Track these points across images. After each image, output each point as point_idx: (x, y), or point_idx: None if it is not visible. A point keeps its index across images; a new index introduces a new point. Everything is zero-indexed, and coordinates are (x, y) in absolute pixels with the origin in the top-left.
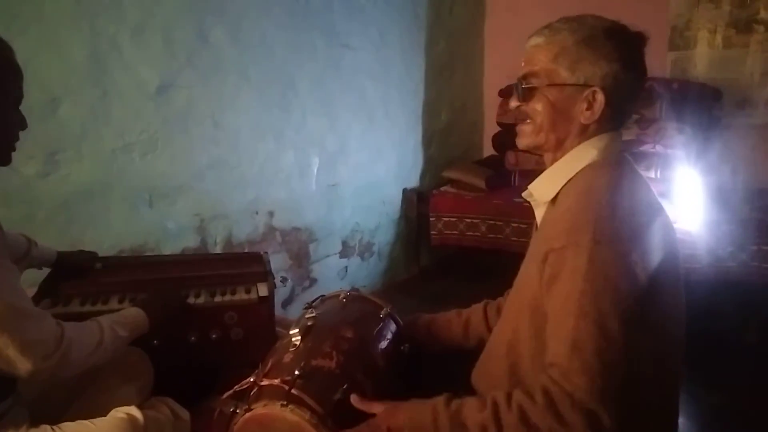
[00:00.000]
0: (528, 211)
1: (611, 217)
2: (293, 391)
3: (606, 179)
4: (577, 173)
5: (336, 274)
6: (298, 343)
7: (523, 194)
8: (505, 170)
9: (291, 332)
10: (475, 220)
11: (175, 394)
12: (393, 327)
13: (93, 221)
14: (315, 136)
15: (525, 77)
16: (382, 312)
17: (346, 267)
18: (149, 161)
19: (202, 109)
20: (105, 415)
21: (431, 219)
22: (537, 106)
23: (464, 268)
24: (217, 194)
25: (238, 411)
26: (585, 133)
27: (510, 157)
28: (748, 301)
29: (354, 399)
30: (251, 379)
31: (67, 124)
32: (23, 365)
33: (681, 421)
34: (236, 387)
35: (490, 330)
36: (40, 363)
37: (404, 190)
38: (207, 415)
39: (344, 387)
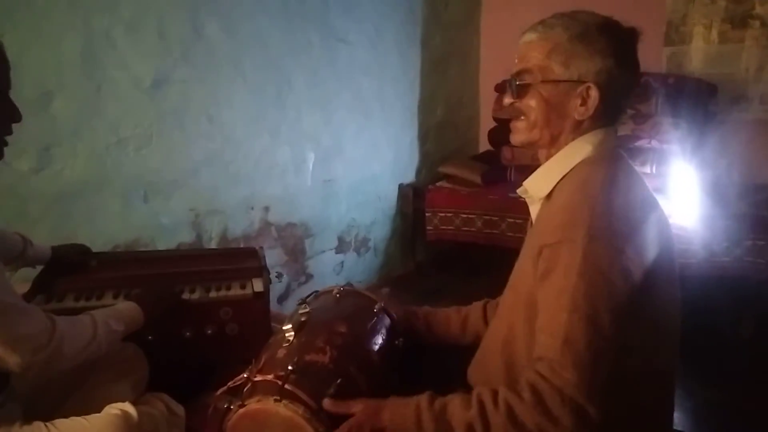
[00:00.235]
0: (524, 206)
1: (606, 213)
2: (287, 386)
3: (601, 175)
4: (571, 169)
5: (332, 270)
6: (291, 338)
7: (518, 191)
8: (501, 165)
9: (284, 328)
10: (470, 216)
11: (170, 390)
12: (387, 321)
13: (87, 216)
14: (310, 131)
15: (518, 74)
16: (376, 307)
17: (342, 262)
18: (144, 156)
19: (197, 104)
20: (99, 411)
21: (427, 214)
22: (531, 103)
23: (460, 263)
24: (212, 189)
25: (231, 407)
26: (579, 129)
27: (506, 153)
28: (743, 296)
29: (327, 403)
30: (245, 375)
31: (60, 118)
32: (12, 359)
33: (676, 415)
34: (230, 383)
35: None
36: (30, 357)
37: (400, 186)
38: (202, 410)
39: (338, 382)
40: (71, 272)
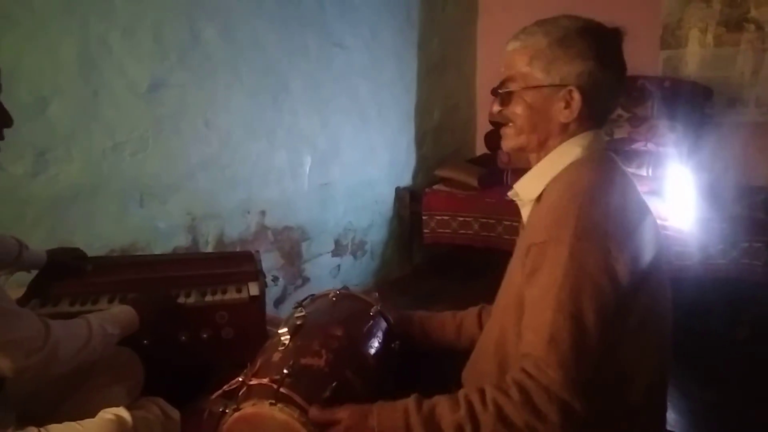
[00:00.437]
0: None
1: (593, 213)
2: (282, 389)
3: (589, 176)
4: (561, 171)
5: (328, 273)
6: (287, 342)
7: (509, 194)
8: (498, 168)
9: (280, 331)
10: (467, 219)
11: (165, 394)
12: (383, 325)
13: (83, 221)
14: (307, 135)
15: (503, 82)
16: (372, 310)
17: (339, 266)
18: (140, 161)
19: (194, 108)
20: (94, 416)
21: (424, 217)
22: (516, 110)
23: (457, 266)
24: (209, 193)
25: (227, 411)
26: (566, 132)
27: (502, 156)
28: (739, 297)
29: (313, 413)
30: (240, 379)
31: (56, 123)
32: (4, 364)
33: (673, 417)
34: (225, 387)
35: None
36: (23, 361)
37: (397, 189)
38: (198, 414)
39: (333, 385)
40: (66, 276)
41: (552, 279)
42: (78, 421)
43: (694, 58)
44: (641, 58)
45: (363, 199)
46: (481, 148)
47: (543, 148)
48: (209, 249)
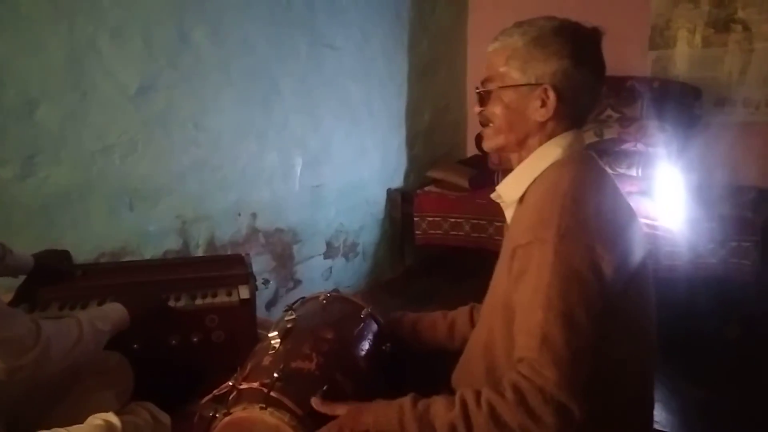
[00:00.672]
0: None
1: (576, 211)
2: (272, 393)
3: (570, 176)
4: (542, 172)
5: (320, 275)
6: (277, 345)
7: (492, 196)
8: (489, 170)
9: (270, 335)
10: (459, 220)
11: (155, 399)
12: (374, 327)
13: (72, 225)
14: (298, 136)
15: (483, 83)
16: (363, 312)
17: (331, 268)
18: (129, 163)
19: (183, 110)
20: (83, 422)
21: (415, 219)
22: (495, 109)
23: (449, 267)
24: (199, 196)
25: (217, 415)
26: (544, 132)
27: (493, 157)
28: (729, 297)
29: (315, 402)
30: (230, 383)
31: (44, 126)
32: None
33: (663, 416)
34: (215, 391)
35: None
36: (14, 361)
37: (388, 191)
38: (188, 419)
39: (324, 388)
40: (55, 281)
41: (540, 280)
42: (66, 428)
43: (682, 58)
44: (630, 58)
45: (354, 200)
46: (472, 150)
47: (523, 147)
48: (200, 252)
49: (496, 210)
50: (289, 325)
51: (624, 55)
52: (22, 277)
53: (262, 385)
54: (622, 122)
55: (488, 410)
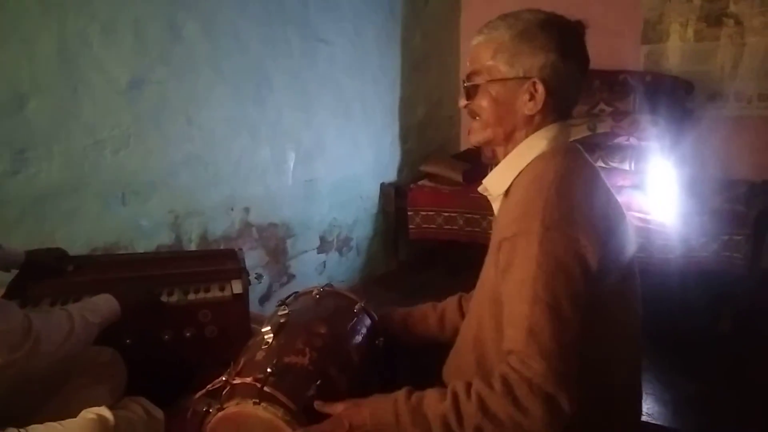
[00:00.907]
0: None
1: (560, 203)
2: (266, 388)
3: (555, 168)
4: (527, 165)
5: (314, 270)
6: (270, 340)
7: (479, 189)
8: (482, 164)
9: (263, 330)
10: (452, 214)
11: (149, 394)
12: (367, 321)
13: (64, 220)
14: (291, 131)
15: (469, 76)
16: (356, 307)
17: (324, 262)
18: (121, 158)
19: (175, 104)
20: (76, 416)
21: (409, 213)
22: (482, 103)
23: (443, 261)
24: (192, 191)
25: (210, 410)
26: (531, 125)
27: (486, 151)
28: (721, 290)
29: (318, 404)
30: (223, 378)
31: (36, 121)
32: None
33: (656, 408)
34: (208, 386)
35: None
36: (8, 355)
37: (382, 185)
38: (181, 414)
39: (317, 383)
40: (47, 276)
41: (525, 272)
42: (59, 421)
43: (675, 52)
44: (623, 52)
45: (348, 195)
46: (465, 144)
47: (510, 141)
48: (193, 247)
49: (490, 204)
50: (282, 320)
51: (616, 49)
52: (14, 273)
53: (256, 380)
54: (614, 116)
55: (477, 401)
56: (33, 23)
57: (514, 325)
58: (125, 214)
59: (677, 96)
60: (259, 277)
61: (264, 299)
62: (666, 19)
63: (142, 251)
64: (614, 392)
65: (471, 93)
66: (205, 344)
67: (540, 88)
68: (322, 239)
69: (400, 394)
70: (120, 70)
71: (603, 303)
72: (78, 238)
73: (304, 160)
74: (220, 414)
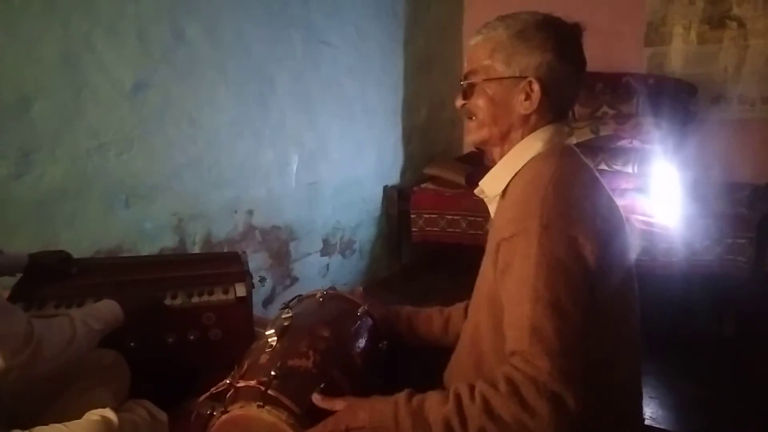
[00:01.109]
0: None
1: (557, 203)
2: (269, 391)
3: (551, 169)
4: (523, 166)
5: (317, 273)
6: (274, 343)
7: (475, 191)
8: (485, 166)
9: (267, 333)
10: (455, 217)
11: (152, 397)
12: (370, 324)
13: (68, 222)
14: (294, 133)
15: (466, 76)
16: (359, 310)
17: (328, 265)
18: (125, 161)
19: (179, 107)
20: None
21: (412, 216)
22: (479, 102)
23: (446, 264)
24: (195, 193)
25: (215, 413)
26: (527, 125)
27: (488, 153)
28: (724, 293)
29: (316, 398)
30: (227, 381)
31: (40, 123)
32: None
33: (660, 412)
34: (213, 389)
35: None
36: (12, 358)
37: (385, 188)
38: (185, 417)
39: (321, 386)
40: (51, 279)
41: (525, 272)
42: (64, 423)
43: (678, 55)
44: (626, 55)
45: (351, 197)
46: (468, 146)
47: (506, 141)
48: (196, 249)
49: None
50: (285, 323)
51: (619, 52)
52: (19, 276)
53: (260, 383)
54: (617, 119)
55: (482, 403)
56: (37, 27)
57: (516, 325)
58: (129, 217)
59: (680, 99)
60: (262, 280)
61: (267, 302)
62: (669, 21)
63: (145, 254)
64: (614, 394)
65: (468, 92)
66: (209, 347)
67: (536, 87)
68: (326, 242)
69: (401, 396)
70: (123, 73)
71: (603, 304)
72: (82, 240)
73: (307, 163)
74: (224, 417)
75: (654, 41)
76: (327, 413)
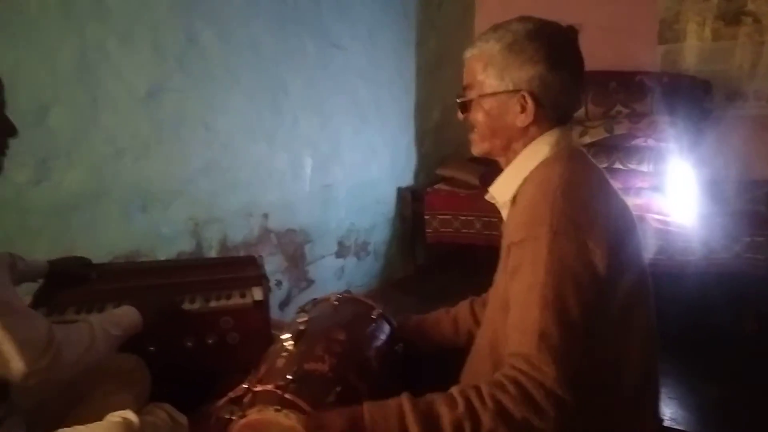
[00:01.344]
0: None
1: (566, 208)
2: (287, 395)
3: (559, 172)
4: (531, 171)
5: (332, 275)
6: (290, 347)
7: (486, 197)
8: (499, 167)
9: (283, 337)
10: (469, 217)
11: (172, 400)
12: (386, 327)
13: (86, 228)
14: (307, 137)
15: (463, 89)
16: (374, 313)
17: (343, 267)
18: (141, 166)
19: (194, 112)
20: None
21: (426, 217)
22: (477, 117)
23: (460, 265)
24: (211, 197)
25: (233, 417)
26: (527, 135)
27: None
28: (743, 292)
29: (302, 420)
30: (245, 385)
31: (57, 131)
32: (17, 364)
33: (680, 413)
34: (230, 393)
35: (478, 324)
36: (34, 363)
37: (398, 189)
38: (205, 419)
39: (337, 390)
40: (72, 285)
41: (534, 276)
42: (87, 425)
43: (692, 52)
44: (639, 53)
45: (365, 199)
46: None
47: (508, 151)
48: (213, 253)
49: None
50: (301, 327)
51: (633, 50)
52: (40, 282)
53: (277, 387)
54: (631, 118)
55: (494, 405)
56: (54, 36)
57: (523, 329)
58: (146, 222)
59: (695, 96)
60: (278, 283)
61: (283, 304)
62: (683, 18)
63: (163, 258)
64: (629, 394)
65: (465, 107)
66: (227, 351)
67: (530, 100)
68: (340, 244)
69: (404, 402)
70: (138, 79)
71: (615, 307)
72: (99, 246)
73: (320, 166)
74: (242, 421)
75: (668, 38)
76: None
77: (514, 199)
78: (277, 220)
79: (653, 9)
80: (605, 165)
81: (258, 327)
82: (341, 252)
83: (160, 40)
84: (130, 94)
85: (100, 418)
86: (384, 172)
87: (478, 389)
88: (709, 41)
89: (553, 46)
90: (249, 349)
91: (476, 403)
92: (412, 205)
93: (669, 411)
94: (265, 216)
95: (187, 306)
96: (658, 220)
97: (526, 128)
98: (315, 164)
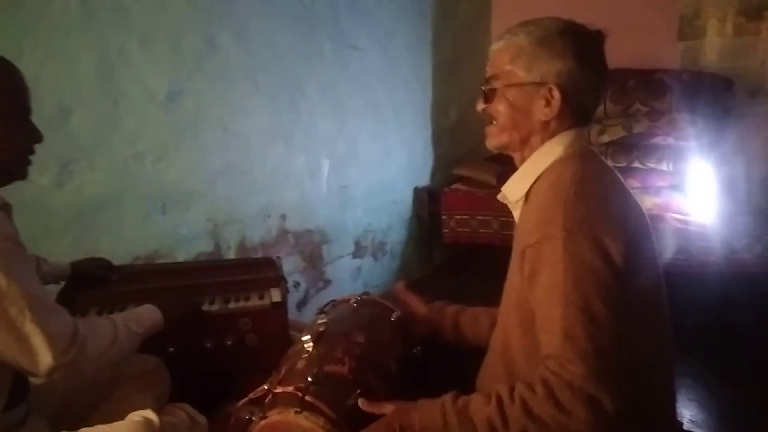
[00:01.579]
0: None
1: (579, 205)
2: (307, 397)
3: (572, 172)
4: (544, 170)
5: (349, 275)
6: (310, 349)
7: (498, 196)
8: (515, 166)
9: (303, 338)
10: (487, 217)
11: (191, 401)
12: (404, 330)
13: (107, 230)
14: (325, 138)
15: (487, 80)
16: (393, 315)
17: (360, 267)
18: (161, 168)
19: (212, 114)
20: None
21: (443, 217)
22: (499, 107)
23: (478, 265)
24: (230, 199)
25: (253, 418)
26: (547, 130)
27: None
28: (765, 293)
29: (363, 403)
30: (265, 387)
31: (78, 134)
32: (45, 358)
33: (701, 416)
34: (251, 394)
35: None
36: (60, 357)
37: (415, 189)
38: (224, 420)
39: (357, 392)
40: (93, 286)
41: (553, 277)
42: (107, 424)
43: (713, 48)
44: (659, 50)
45: (381, 200)
46: None
47: (525, 146)
48: (231, 254)
49: None
50: (321, 329)
51: (652, 47)
52: (63, 284)
53: (297, 389)
54: (650, 116)
55: (521, 404)
56: (75, 41)
57: (548, 330)
58: (165, 223)
59: (716, 93)
60: (296, 285)
61: (301, 304)
62: (703, 14)
63: (182, 259)
64: (648, 394)
65: (489, 97)
66: (246, 352)
67: (556, 94)
68: (357, 244)
69: (447, 398)
70: (158, 82)
71: (634, 303)
72: (120, 247)
73: (337, 167)
74: (262, 422)
75: (688, 35)
76: (364, 419)
77: (526, 198)
78: (295, 220)
79: (673, 5)
80: (624, 164)
81: (276, 328)
82: (358, 252)
83: (179, 43)
84: (150, 97)
85: (121, 419)
86: (401, 172)
87: (511, 388)
88: (731, 37)
89: (583, 45)
90: (267, 351)
91: (506, 401)
92: (429, 205)
93: (689, 413)
94: (283, 217)
95: (206, 307)
96: (678, 220)
97: (548, 123)
98: (332, 165)
